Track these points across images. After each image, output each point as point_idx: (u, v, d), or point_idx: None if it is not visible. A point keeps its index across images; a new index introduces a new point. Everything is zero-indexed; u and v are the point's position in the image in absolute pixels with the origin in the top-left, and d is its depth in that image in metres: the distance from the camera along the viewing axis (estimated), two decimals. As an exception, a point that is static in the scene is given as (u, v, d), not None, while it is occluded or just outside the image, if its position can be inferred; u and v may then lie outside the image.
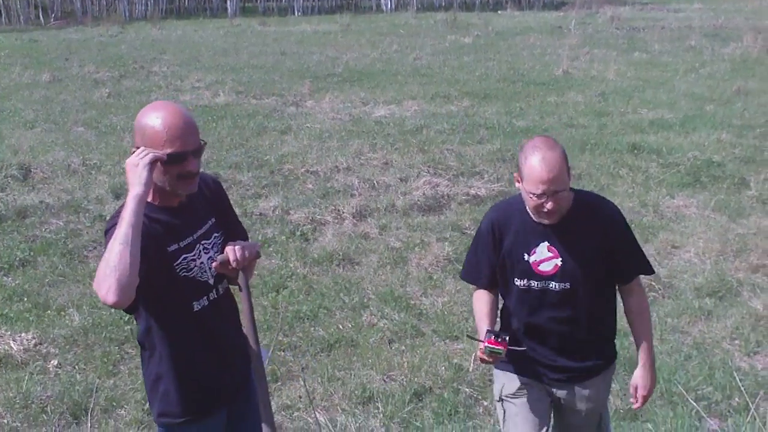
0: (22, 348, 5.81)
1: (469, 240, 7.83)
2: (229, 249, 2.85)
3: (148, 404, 3.33)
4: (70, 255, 7.62)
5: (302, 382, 5.26)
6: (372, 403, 5.08)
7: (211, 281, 2.92)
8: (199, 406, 2.98)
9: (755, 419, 4.59)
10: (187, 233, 2.84)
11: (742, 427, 4.60)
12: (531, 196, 3.12)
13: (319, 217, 8.56)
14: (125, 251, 2.51)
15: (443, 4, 48.45)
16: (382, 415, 4.94)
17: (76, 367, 5.64)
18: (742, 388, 4.92)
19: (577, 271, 3.23)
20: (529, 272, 3.29)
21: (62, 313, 6.45)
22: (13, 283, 7.06)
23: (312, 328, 6.18)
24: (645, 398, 3.41)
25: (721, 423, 4.77)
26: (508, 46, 23.99)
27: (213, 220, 2.97)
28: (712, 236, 7.81)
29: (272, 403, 4.97)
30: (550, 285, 3.27)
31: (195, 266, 2.86)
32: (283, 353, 5.79)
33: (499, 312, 3.51)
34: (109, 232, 2.70)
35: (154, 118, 2.68)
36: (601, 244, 3.25)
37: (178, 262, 2.82)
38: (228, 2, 47.82)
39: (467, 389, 5.22)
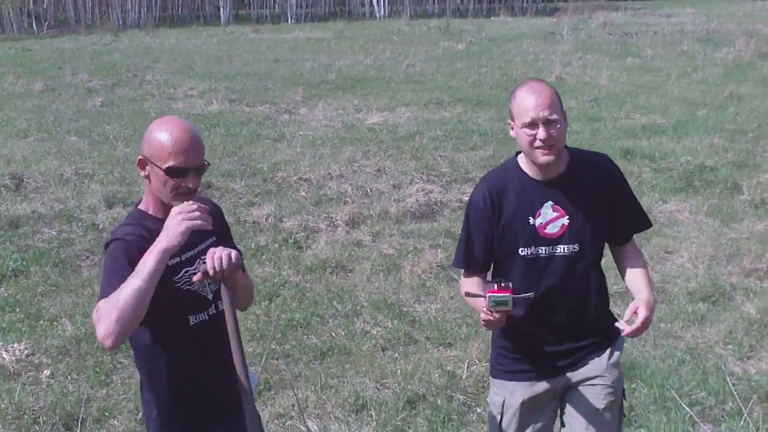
0: (14, 359, 5.79)
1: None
2: (207, 256, 2.75)
3: (141, 414, 3.31)
4: (63, 265, 7.60)
5: (293, 391, 5.25)
6: (365, 411, 5.07)
7: (210, 296, 2.91)
8: (192, 420, 2.97)
9: (749, 424, 4.60)
10: (189, 247, 2.83)
11: (735, 431, 4.61)
12: (524, 131, 3.04)
13: (312, 224, 8.55)
14: (138, 302, 2.52)
15: (436, 10, 48.61)
16: (375, 422, 4.92)
17: (69, 377, 5.62)
18: (736, 393, 4.93)
19: (585, 228, 3.13)
20: (536, 238, 3.14)
21: (55, 323, 6.42)
22: (5, 293, 7.04)
23: (305, 336, 6.17)
24: (645, 322, 3.03)
25: (715, 428, 4.77)
26: (501, 52, 24.04)
27: (213, 238, 2.97)
28: (705, 241, 7.82)
29: (265, 412, 4.98)
30: (558, 249, 3.14)
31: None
32: (276, 362, 5.77)
33: None
34: (110, 246, 2.72)
35: (163, 131, 2.73)
36: (605, 198, 3.17)
37: (180, 275, 2.82)
38: (221, 10, 47.92)
39: (461, 396, 5.20)
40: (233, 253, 2.72)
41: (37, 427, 4.98)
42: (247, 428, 2.92)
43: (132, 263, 2.61)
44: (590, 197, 3.16)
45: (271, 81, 19.08)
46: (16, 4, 44.33)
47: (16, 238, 8.21)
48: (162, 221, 2.74)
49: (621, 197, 3.25)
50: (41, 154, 11.67)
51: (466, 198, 9.22)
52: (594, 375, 3.29)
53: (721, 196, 9.23)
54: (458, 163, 10.64)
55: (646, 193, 9.33)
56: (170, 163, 2.70)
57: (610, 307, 3.44)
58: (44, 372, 5.66)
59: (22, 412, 5.10)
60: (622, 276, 3.33)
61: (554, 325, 3.25)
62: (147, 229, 2.75)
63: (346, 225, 8.55)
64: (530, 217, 3.14)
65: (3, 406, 5.17)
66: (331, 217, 8.69)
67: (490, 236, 3.20)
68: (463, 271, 3.36)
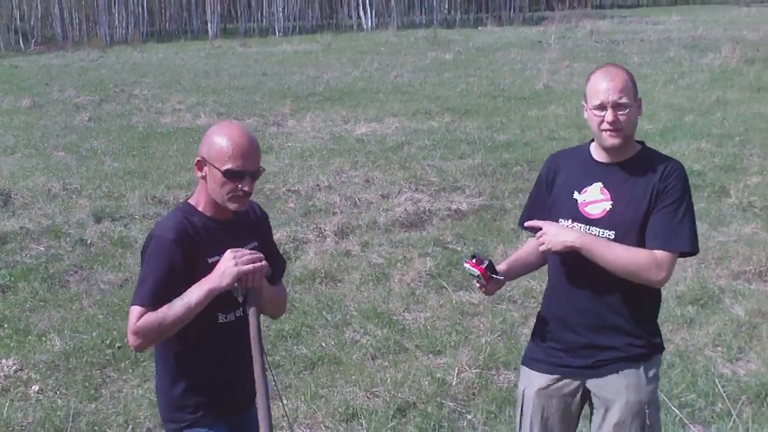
0: (2, 374, 5.75)
1: (451, 255, 7.89)
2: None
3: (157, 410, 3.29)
4: (51, 280, 7.56)
5: (281, 402, 5.23)
6: (356, 420, 5.05)
7: (240, 299, 2.98)
8: (205, 414, 3.03)
9: (738, 425, 4.61)
10: (229, 247, 2.88)
11: (725, 433, 4.62)
12: (593, 113, 3.08)
13: (300, 235, 8.54)
14: (176, 327, 2.78)
15: (424, 21, 48.76)
16: (365, 431, 4.91)
17: (58, 392, 5.58)
18: (725, 394, 4.94)
19: (625, 219, 3.04)
20: (575, 212, 3.13)
21: (43, 338, 6.39)
22: (-7, 309, 7.00)
23: (295, 347, 6.15)
24: (547, 228, 3.09)
25: (705, 429, 4.78)
26: (488, 61, 24.14)
27: (255, 243, 3.04)
28: (693, 244, 7.83)
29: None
30: (593, 231, 3.08)
31: None
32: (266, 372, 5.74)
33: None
34: (152, 242, 2.85)
35: (223, 135, 2.86)
36: (650, 197, 3.06)
37: None
38: (209, 24, 47.97)
39: (451, 403, 5.19)
40: (259, 264, 2.83)
41: (25, 443, 4.95)
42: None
43: (173, 263, 2.79)
44: (641, 192, 3.08)
45: (259, 94, 19.12)
46: (2, 21, 44.33)
47: (4, 254, 8.17)
48: (210, 219, 2.91)
49: (664, 202, 3.06)
50: (29, 170, 11.65)
51: (454, 206, 9.26)
52: (612, 396, 3.17)
53: (709, 200, 9.27)
54: (447, 172, 10.66)
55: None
56: (228, 166, 2.81)
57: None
58: (33, 387, 5.62)
59: (10, 429, 5.06)
60: None
61: (576, 309, 3.18)
62: (192, 224, 2.88)
63: (335, 235, 8.54)
64: (575, 192, 3.17)
65: (-9, 422, 5.14)
66: (320, 228, 8.68)
67: (544, 205, 3.28)
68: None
